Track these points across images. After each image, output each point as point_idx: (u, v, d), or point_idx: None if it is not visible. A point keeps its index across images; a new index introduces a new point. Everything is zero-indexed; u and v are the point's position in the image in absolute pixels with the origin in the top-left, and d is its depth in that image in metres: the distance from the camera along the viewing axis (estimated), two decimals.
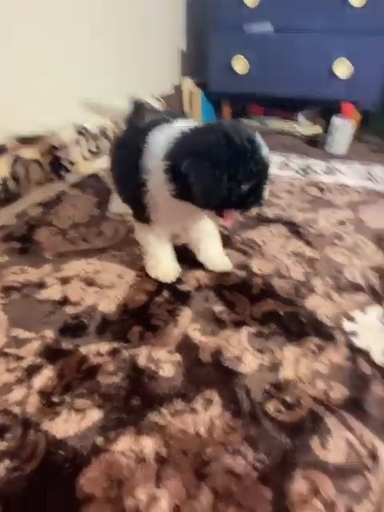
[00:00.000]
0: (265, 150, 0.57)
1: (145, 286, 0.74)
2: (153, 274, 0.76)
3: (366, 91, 1.57)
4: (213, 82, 1.81)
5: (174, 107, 1.88)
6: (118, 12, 1.43)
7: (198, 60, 1.92)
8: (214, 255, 0.79)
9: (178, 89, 1.95)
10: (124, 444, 0.46)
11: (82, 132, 1.33)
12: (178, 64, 1.98)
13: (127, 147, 0.70)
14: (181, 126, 0.61)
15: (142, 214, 0.68)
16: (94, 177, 1.28)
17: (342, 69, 1.54)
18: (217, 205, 0.58)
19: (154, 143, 0.62)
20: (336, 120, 1.56)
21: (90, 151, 1.38)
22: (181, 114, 1.92)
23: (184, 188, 0.58)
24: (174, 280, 0.75)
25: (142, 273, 0.78)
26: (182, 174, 0.56)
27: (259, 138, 0.57)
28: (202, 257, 0.79)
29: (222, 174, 0.54)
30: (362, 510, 0.39)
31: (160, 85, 1.84)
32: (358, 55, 1.50)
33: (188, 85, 1.93)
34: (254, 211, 0.61)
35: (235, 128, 0.56)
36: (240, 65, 1.70)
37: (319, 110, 1.93)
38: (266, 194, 0.60)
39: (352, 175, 1.34)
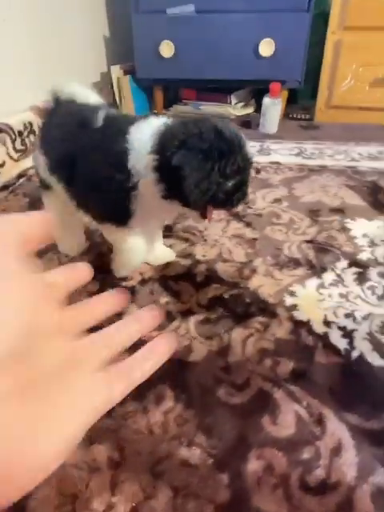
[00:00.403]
0: (249, 147, 0.56)
1: (86, 287, 0.71)
2: (122, 273, 0.73)
3: (290, 69, 1.61)
4: (140, 68, 1.77)
5: (104, 96, 1.81)
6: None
7: (126, 46, 1.86)
8: (159, 251, 0.78)
9: (106, 76, 1.88)
10: (75, 456, 0.44)
11: (4, 129, 1.23)
12: (104, 51, 1.91)
13: (102, 152, 0.59)
14: (160, 121, 0.58)
15: (123, 220, 0.62)
16: (24, 177, 1.21)
17: (266, 48, 1.56)
18: (206, 201, 0.55)
19: (139, 141, 0.56)
20: (266, 100, 1.58)
21: (17, 150, 1.29)
22: (110, 103, 1.86)
23: (174, 186, 0.54)
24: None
25: None
26: (171, 169, 0.52)
27: (243, 135, 0.56)
28: (148, 255, 0.76)
29: (213, 168, 0.52)
30: (313, 477, 0.41)
31: (87, 73, 1.76)
32: (280, 33, 1.53)
33: (116, 72, 1.87)
34: (238, 208, 0.61)
35: (223, 122, 0.55)
36: (166, 49, 1.66)
37: (250, 91, 1.95)
38: (248, 190, 0.59)
39: (285, 153, 1.38)
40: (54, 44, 1.49)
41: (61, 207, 0.74)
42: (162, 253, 0.78)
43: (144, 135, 0.56)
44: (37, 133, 1.35)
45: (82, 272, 0.27)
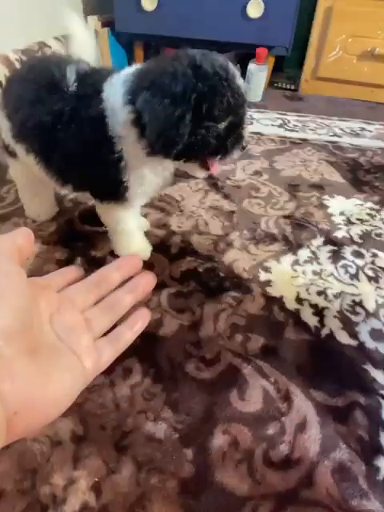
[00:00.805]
0: (240, 79, 0.48)
1: (54, 255, 0.68)
2: (125, 253, 0.66)
3: (278, 34, 1.53)
4: (119, 21, 1.64)
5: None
6: None
7: None
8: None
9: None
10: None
11: None
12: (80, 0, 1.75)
13: (78, 121, 0.52)
14: (133, 68, 0.50)
15: (116, 193, 0.57)
16: None
17: (255, 9, 1.47)
18: (182, 151, 0.48)
19: (113, 97, 0.49)
20: (251, 66, 1.52)
21: None
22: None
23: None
24: (147, 258, 0.68)
25: (50, 239, 0.71)
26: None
27: (232, 66, 0.47)
28: None
29: (184, 111, 0.44)
30: (277, 453, 0.41)
31: (58, 22, 1.62)
32: None
33: (94, 23, 1.73)
34: (236, 156, 0.52)
35: (205, 55, 0.47)
36: (148, 1, 1.54)
37: (235, 55, 1.87)
38: (246, 133, 0.52)
39: (267, 124, 1.34)
40: None
41: (28, 173, 0.68)
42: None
43: (117, 89, 0.49)
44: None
45: (74, 273, 0.31)
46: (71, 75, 0.53)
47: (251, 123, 1.33)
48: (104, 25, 1.73)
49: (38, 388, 0.21)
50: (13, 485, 0.38)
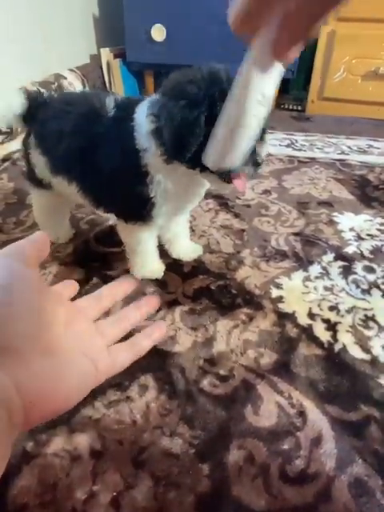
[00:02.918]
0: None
1: (71, 275, 0.70)
2: (140, 273, 0.68)
3: None
4: (130, 51, 1.72)
5: (93, 79, 1.76)
6: None
7: (116, 29, 1.81)
8: (186, 247, 0.75)
9: (96, 59, 1.83)
10: (56, 445, 0.44)
11: None
12: (94, 33, 1.85)
13: (113, 140, 0.55)
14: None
15: (142, 211, 0.58)
16: (9, 160, 1.18)
17: None
18: (197, 156, 0.48)
19: (141, 114, 0.53)
20: None
21: (2, 132, 1.25)
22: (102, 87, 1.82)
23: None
24: (160, 277, 0.70)
25: (68, 260, 0.74)
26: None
27: None
28: (175, 253, 0.75)
29: (200, 113, 0.45)
30: (293, 468, 0.42)
31: (76, 55, 1.71)
32: None
33: (106, 55, 1.82)
34: (248, 171, 0.51)
35: (226, 66, 0.48)
36: (157, 32, 1.62)
37: None
38: (262, 148, 0.50)
39: (275, 144, 1.37)
40: (43, 24, 1.44)
41: (50, 199, 0.72)
42: (190, 248, 0.76)
43: (145, 107, 0.53)
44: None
45: (72, 286, 0.35)
46: (110, 103, 0.57)
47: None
48: (116, 56, 1.82)
49: (51, 383, 0.23)
50: (34, 499, 0.39)
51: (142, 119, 0.53)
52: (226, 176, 0.52)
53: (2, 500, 0.39)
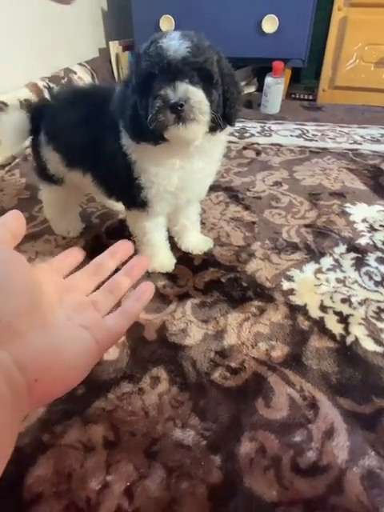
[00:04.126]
0: (166, 42, 0.45)
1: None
2: (149, 266, 0.69)
3: (294, 47, 1.56)
4: (139, 44, 1.71)
5: (102, 72, 1.76)
6: None
7: (125, 22, 1.79)
8: (196, 240, 0.75)
9: (105, 52, 1.83)
10: (71, 436, 0.45)
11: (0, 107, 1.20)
12: (103, 26, 1.84)
13: (113, 127, 0.56)
14: None
15: (133, 194, 0.59)
16: (21, 156, 1.19)
17: (270, 25, 1.51)
18: (148, 130, 0.48)
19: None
20: (268, 79, 1.54)
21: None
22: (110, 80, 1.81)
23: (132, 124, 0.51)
24: (170, 270, 0.70)
25: None
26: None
27: (171, 34, 0.46)
28: (184, 246, 0.75)
29: (130, 90, 0.49)
30: (304, 460, 0.42)
31: (85, 49, 1.71)
32: (284, 9, 1.47)
33: (115, 48, 1.81)
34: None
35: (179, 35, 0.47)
36: (166, 24, 1.60)
37: (252, 70, 1.90)
38: (181, 94, 0.45)
39: (286, 134, 1.35)
40: (52, 19, 1.44)
41: (60, 194, 0.73)
42: (200, 241, 0.76)
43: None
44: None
45: (75, 255, 0.34)
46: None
47: (270, 135, 1.35)
48: (125, 49, 1.81)
49: (53, 357, 0.23)
50: (50, 488, 0.40)
51: None
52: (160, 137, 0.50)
53: (19, 488, 0.40)
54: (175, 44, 0.45)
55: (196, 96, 0.46)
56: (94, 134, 0.58)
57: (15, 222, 0.27)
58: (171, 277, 0.69)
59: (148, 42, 0.47)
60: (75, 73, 1.56)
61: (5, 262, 0.24)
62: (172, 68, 0.45)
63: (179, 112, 0.45)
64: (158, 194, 0.58)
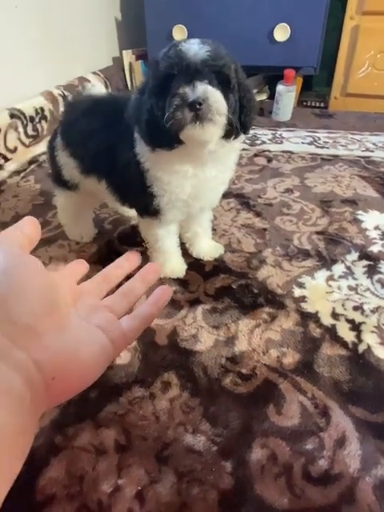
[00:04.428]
0: (186, 46, 0.46)
1: (95, 274, 0.72)
2: (161, 272, 0.70)
3: (305, 55, 1.56)
4: (152, 52, 1.74)
5: (116, 81, 1.79)
6: None
7: (138, 31, 1.83)
8: (208, 246, 0.76)
9: (118, 61, 1.86)
10: (83, 439, 0.45)
11: (16, 115, 1.23)
12: (116, 35, 1.88)
13: (127, 136, 0.57)
14: None
15: (148, 204, 0.60)
16: (35, 163, 1.21)
17: (281, 33, 1.52)
18: (162, 134, 0.49)
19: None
20: (280, 87, 1.55)
21: (28, 135, 1.29)
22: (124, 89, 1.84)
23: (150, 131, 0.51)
24: (182, 276, 0.70)
25: (92, 260, 0.75)
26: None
27: (191, 41, 0.47)
28: (196, 252, 0.75)
29: (147, 95, 0.49)
30: (316, 468, 0.41)
31: (99, 58, 1.74)
32: (295, 18, 1.48)
33: (128, 57, 1.84)
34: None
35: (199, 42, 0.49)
36: (179, 33, 1.63)
37: (264, 77, 1.91)
38: (201, 93, 0.45)
39: (298, 142, 1.35)
40: (66, 28, 1.48)
41: (74, 200, 0.74)
42: (211, 247, 0.76)
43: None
44: (49, 131, 1.34)
45: (81, 266, 0.34)
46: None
47: (281, 142, 1.35)
48: (138, 57, 1.84)
49: (69, 357, 0.24)
50: (62, 490, 0.41)
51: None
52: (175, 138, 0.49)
53: (32, 490, 0.41)
54: (195, 48, 0.46)
55: (214, 96, 0.46)
56: (109, 141, 0.59)
57: (31, 227, 0.28)
58: (182, 283, 0.69)
59: (167, 47, 0.49)
60: (89, 81, 1.59)
61: (22, 265, 0.24)
62: (191, 69, 0.46)
63: (197, 110, 0.45)
64: (171, 202, 0.59)
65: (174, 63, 0.46)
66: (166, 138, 0.50)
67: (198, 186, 0.58)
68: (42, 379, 0.22)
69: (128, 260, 0.35)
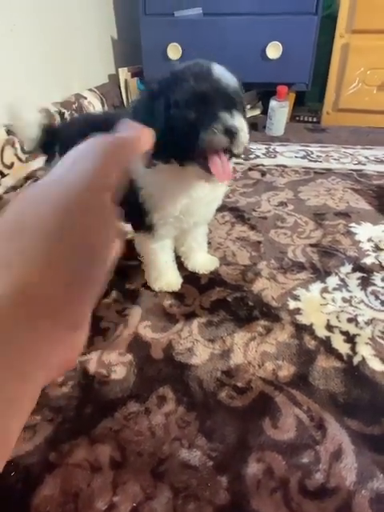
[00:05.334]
0: (218, 70, 0.48)
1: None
2: (156, 286, 0.70)
3: (297, 72, 1.61)
4: (147, 70, 1.78)
5: (112, 98, 1.82)
6: (43, 4, 1.35)
7: (134, 48, 1.87)
8: (203, 260, 0.76)
9: (114, 78, 1.89)
10: (78, 455, 0.45)
11: (13, 131, 1.25)
12: (112, 53, 1.92)
13: None
14: None
15: (139, 220, 0.61)
16: (32, 178, 1.22)
17: (274, 51, 1.56)
18: (170, 149, 0.48)
19: None
20: (273, 102, 1.58)
21: (25, 151, 1.30)
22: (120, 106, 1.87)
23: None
24: (177, 290, 0.71)
25: None
26: None
27: (216, 65, 0.49)
28: (191, 265, 0.76)
29: (159, 103, 0.48)
30: (312, 482, 0.41)
31: (95, 75, 1.78)
32: (287, 37, 1.53)
33: (124, 74, 1.88)
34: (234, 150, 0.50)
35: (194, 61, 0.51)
36: (173, 51, 1.67)
37: (257, 93, 1.95)
38: (238, 123, 0.47)
39: (291, 156, 1.38)
40: (63, 46, 1.51)
41: None
42: (206, 260, 0.77)
43: None
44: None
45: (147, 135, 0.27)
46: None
47: (275, 157, 1.37)
48: (133, 75, 1.88)
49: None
50: (56, 508, 0.40)
51: None
52: (204, 165, 0.50)
53: (26, 508, 0.40)
54: (227, 75, 0.49)
55: (244, 130, 0.49)
56: None
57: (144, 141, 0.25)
58: (178, 296, 0.70)
59: (189, 63, 0.50)
60: (85, 98, 1.62)
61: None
62: (226, 97, 0.48)
63: (232, 138, 0.47)
64: (163, 218, 0.60)
65: (211, 86, 0.47)
66: (182, 151, 0.50)
67: (191, 203, 0.59)
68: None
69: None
